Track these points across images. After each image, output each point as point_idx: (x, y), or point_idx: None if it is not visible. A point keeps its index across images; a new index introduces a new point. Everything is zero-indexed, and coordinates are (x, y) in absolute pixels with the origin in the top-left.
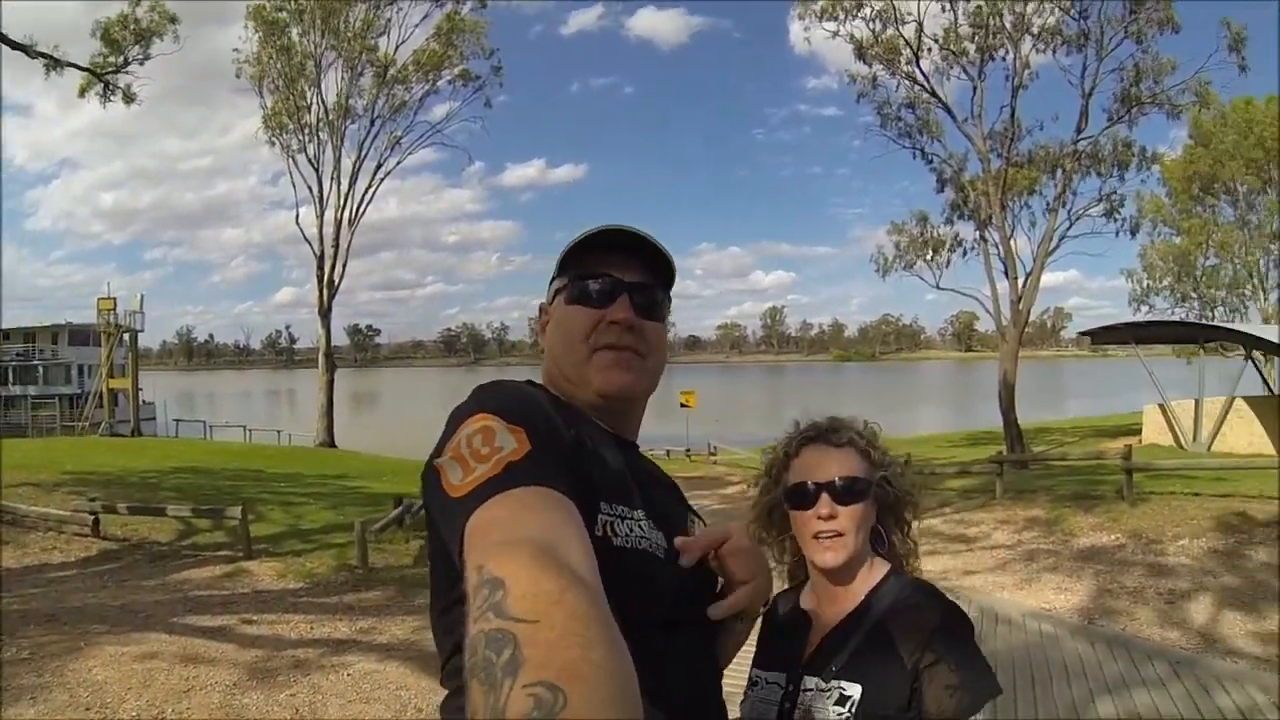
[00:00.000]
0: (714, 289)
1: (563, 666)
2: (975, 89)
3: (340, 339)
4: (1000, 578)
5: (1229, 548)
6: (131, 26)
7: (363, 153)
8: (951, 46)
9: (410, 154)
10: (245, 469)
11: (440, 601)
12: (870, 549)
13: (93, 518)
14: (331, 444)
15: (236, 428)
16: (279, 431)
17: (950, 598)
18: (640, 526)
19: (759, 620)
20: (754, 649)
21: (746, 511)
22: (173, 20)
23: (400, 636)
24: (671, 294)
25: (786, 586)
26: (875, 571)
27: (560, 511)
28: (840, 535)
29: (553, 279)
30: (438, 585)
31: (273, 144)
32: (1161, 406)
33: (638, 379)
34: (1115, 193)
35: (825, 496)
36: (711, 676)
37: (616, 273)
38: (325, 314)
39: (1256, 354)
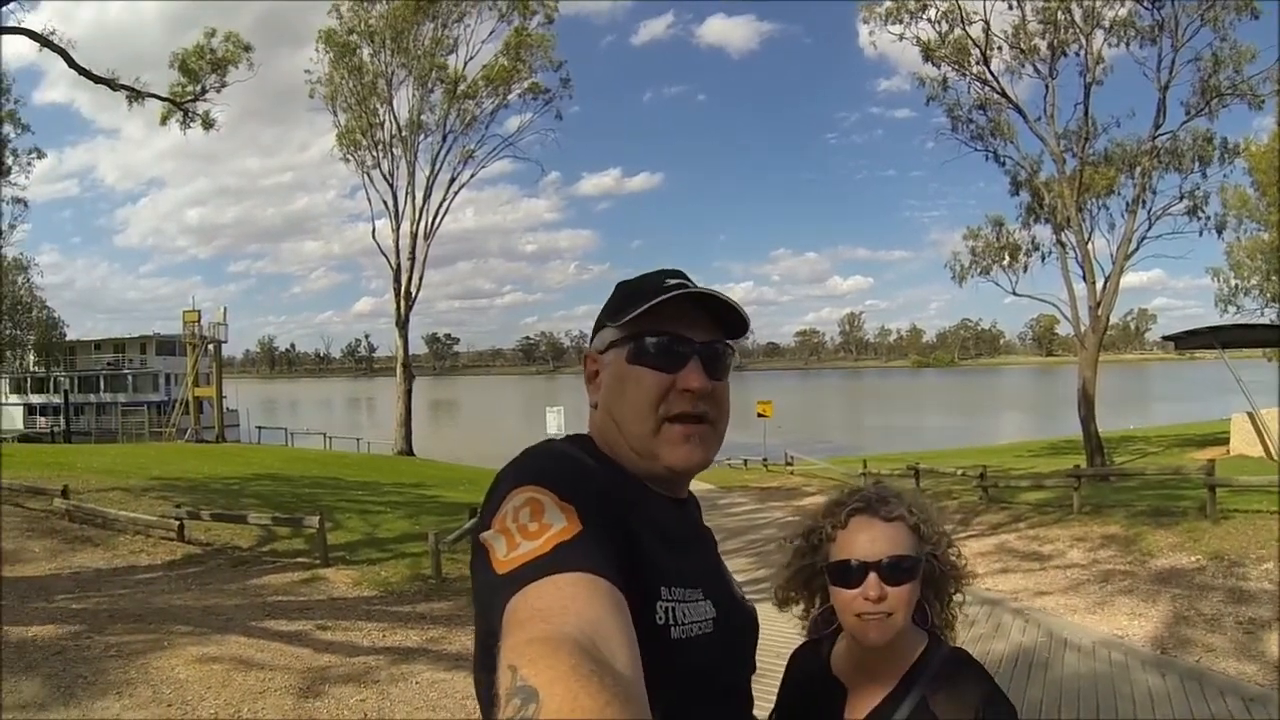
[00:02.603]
0: (791, 295)
1: None
2: (1047, 87)
3: (419, 348)
4: (1072, 600)
5: None
6: (207, 57)
7: (436, 167)
8: (1021, 45)
9: (483, 167)
10: (324, 476)
11: (488, 676)
12: (911, 621)
13: (178, 523)
14: (409, 452)
15: (317, 435)
16: (358, 439)
17: (988, 671)
18: (699, 609)
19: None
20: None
21: (777, 572)
22: (246, 49)
23: (469, 647)
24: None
25: (807, 638)
26: (917, 643)
27: (607, 604)
28: (889, 615)
29: (601, 323)
30: (484, 657)
31: (348, 161)
32: (1250, 415)
33: (709, 452)
34: (1197, 189)
35: (874, 577)
36: None
37: (684, 330)
38: (403, 325)
39: None
